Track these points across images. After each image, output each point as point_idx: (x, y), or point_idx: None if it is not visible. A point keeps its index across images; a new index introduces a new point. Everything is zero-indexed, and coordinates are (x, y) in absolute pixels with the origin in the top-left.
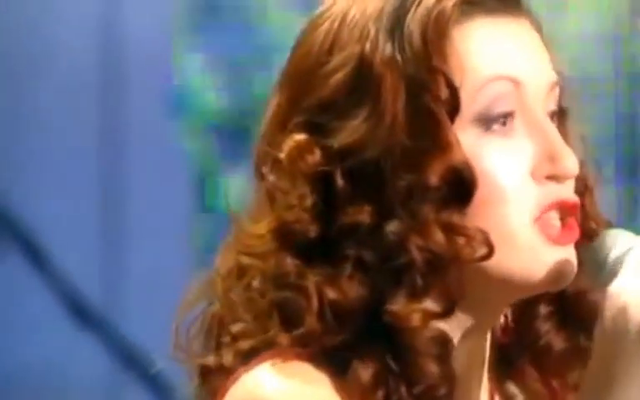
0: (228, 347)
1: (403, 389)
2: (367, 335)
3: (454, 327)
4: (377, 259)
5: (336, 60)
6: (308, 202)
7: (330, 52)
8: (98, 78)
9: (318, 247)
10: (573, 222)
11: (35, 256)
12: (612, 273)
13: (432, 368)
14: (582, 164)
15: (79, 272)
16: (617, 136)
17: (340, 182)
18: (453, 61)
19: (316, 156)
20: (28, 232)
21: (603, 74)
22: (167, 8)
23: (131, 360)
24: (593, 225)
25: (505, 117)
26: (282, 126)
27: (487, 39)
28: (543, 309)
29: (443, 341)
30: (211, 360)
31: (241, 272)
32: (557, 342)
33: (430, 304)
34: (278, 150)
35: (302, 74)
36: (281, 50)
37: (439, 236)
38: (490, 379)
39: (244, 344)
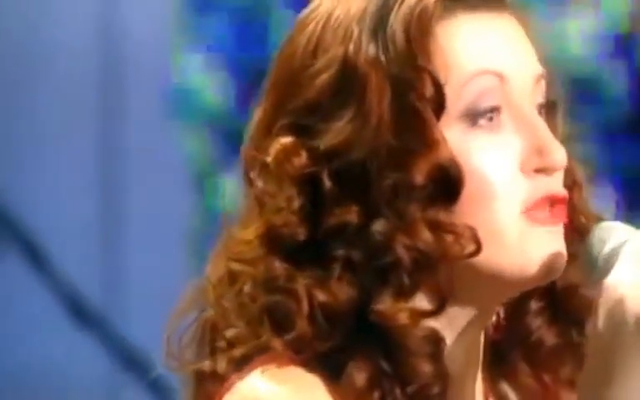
0: (222, 353)
1: (397, 390)
2: (360, 337)
3: (446, 326)
4: (365, 259)
5: (320, 62)
6: (296, 204)
7: (314, 53)
8: (97, 78)
9: (307, 250)
10: (561, 208)
11: (34, 256)
12: (608, 266)
13: (425, 367)
14: (570, 158)
15: (79, 272)
16: None
17: (327, 183)
18: (437, 58)
19: (302, 158)
20: (28, 233)
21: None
22: (166, 8)
23: (130, 360)
24: (583, 219)
25: (491, 112)
26: (268, 129)
27: (471, 35)
28: (534, 305)
29: (435, 339)
30: (206, 365)
31: (232, 278)
32: (549, 337)
33: (420, 302)
34: (265, 154)
35: (288, 77)
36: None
37: (426, 234)
38: (484, 379)
39: (237, 351)
